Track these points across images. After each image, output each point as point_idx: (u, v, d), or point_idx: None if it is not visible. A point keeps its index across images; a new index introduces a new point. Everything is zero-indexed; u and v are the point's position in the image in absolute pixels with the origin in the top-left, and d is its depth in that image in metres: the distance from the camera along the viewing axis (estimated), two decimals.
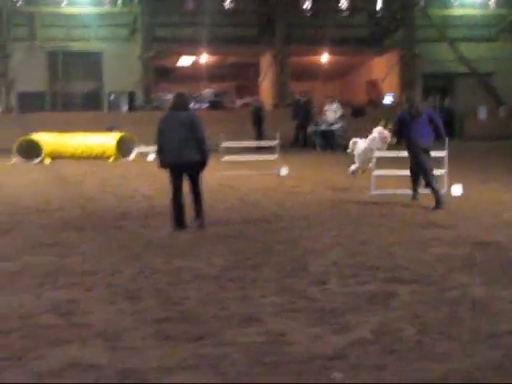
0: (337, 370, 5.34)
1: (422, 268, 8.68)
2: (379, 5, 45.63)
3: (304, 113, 32.96)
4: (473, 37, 45.00)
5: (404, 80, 44.58)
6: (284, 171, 20.05)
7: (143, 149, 26.33)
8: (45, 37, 41.79)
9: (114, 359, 5.66)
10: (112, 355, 5.75)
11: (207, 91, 46.19)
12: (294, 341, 6.07)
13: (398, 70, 45.14)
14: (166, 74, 47.29)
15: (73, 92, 43.49)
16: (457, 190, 15.42)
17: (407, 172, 14.83)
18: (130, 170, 22.62)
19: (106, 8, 42.83)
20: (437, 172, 14.89)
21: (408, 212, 13.33)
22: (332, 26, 43.67)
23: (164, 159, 11.57)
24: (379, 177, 15.95)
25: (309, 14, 44.94)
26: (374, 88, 47.27)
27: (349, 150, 17.01)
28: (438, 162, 15.34)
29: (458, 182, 15.72)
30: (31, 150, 25.89)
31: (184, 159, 11.40)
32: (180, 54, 46.26)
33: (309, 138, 31.91)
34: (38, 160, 25.78)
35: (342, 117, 31.71)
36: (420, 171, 14.29)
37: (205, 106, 42.04)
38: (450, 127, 35.24)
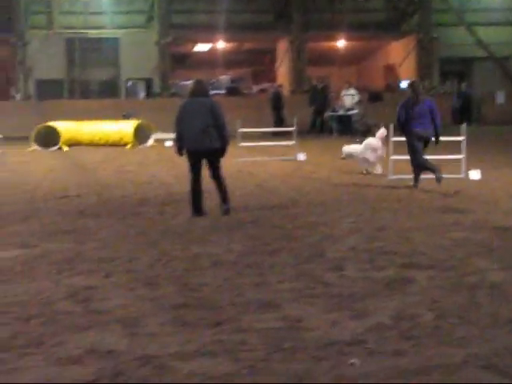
0: (355, 356, 5.33)
1: (440, 253, 8.64)
2: None
3: (321, 98, 32.92)
4: (491, 21, 44.58)
5: (421, 65, 44.33)
6: (301, 157, 20.04)
7: (160, 135, 26.41)
8: (62, 24, 41.83)
9: (132, 345, 5.67)
10: (130, 341, 5.77)
11: (224, 77, 46.13)
12: (312, 326, 6.06)
13: (415, 54, 44.85)
14: (183, 61, 47.29)
15: (90, 79, 43.54)
16: (475, 174, 15.37)
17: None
18: (147, 156, 22.66)
19: None
20: (455, 157, 14.83)
21: (426, 197, 13.28)
22: (349, 10, 43.54)
23: (184, 146, 11.47)
24: (396, 161, 15.90)
25: None
26: (391, 73, 47.03)
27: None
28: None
29: (475, 167, 15.66)
30: (49, 138, 26.02)
31: (205, 146, 11.30)
32: (196, 41, 46.22)
33: (326, 123, 31.87)
34: (55, 147, 25.89)
35: (359, 102, 31.66)
36: (410, 156, 14.46)
37: (222, 92, 42.00)
38: (467, 112, 35.19)
